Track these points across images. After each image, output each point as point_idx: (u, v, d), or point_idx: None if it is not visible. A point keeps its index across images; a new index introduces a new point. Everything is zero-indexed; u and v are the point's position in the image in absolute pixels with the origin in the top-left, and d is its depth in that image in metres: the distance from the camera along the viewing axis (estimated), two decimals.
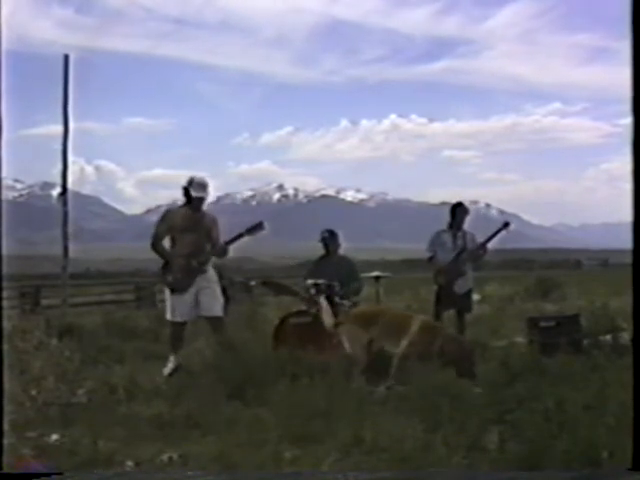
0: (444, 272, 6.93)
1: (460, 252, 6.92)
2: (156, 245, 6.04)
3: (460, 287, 6.95)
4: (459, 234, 7.01)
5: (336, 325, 5.66)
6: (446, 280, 6.92)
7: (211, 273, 6.12)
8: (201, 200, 6.04)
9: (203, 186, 6.05)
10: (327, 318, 5.72)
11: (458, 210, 7.09)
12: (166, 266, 6.02)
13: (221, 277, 6.51)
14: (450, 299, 6.89)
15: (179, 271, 5.94)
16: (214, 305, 6.04)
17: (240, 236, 6.05)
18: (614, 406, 3.75)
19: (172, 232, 6.04)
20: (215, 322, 6.07)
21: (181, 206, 6.15)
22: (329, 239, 6.96)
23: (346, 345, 5.44)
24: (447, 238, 7.03)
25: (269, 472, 3.38)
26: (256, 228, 6.05)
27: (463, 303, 6.98)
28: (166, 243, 6.12)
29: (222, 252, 6.08)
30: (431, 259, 7.09)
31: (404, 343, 5.19)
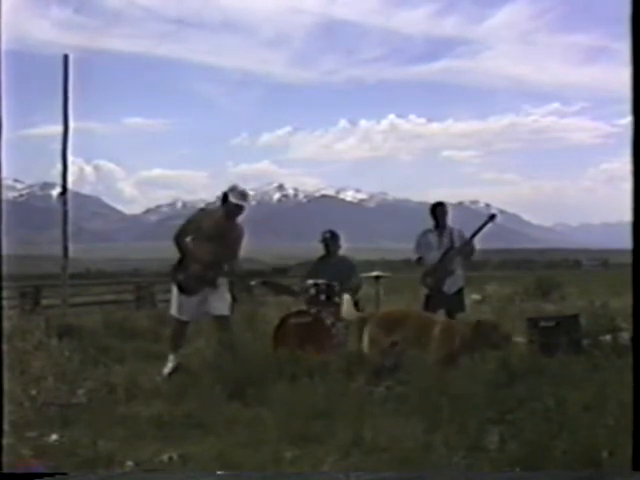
0: (431, 274, 6.72)
1: (447, 251, 6.71)
2: (179, 240, 5.96)
3: (450, 287, 6.72)
4: (445, 232, 6.81)
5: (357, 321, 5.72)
6: (434, 282, 6.69)
7: None
8: (240, 209, 5.91)
9: (244, 195, 5.94)
10: (348, 311, 5.78)
11: (438, 210, 6.91)
12: (180, 265, 5.93)
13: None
14: (440, 301, 6.65)
15: (192, 277, 5.84)
16: (222, 304, 5.96)
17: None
18: (614, 406, 3.74)
19: (198, 233, 5.92)
20: (222, 321, 5.99)
21: (217, 210, 6.04)
22: (330, 240, 6.96)
23: (364, 344, 5.45)
24: (433, 237, 6.83)
25: (269, 472, 3.38)
26: None
27: (454, 303, 6.72)
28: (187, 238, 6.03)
29: (238, 270, 6.10)
30: (419, 260, 6.90)
31: (432, 347, 5.21)
